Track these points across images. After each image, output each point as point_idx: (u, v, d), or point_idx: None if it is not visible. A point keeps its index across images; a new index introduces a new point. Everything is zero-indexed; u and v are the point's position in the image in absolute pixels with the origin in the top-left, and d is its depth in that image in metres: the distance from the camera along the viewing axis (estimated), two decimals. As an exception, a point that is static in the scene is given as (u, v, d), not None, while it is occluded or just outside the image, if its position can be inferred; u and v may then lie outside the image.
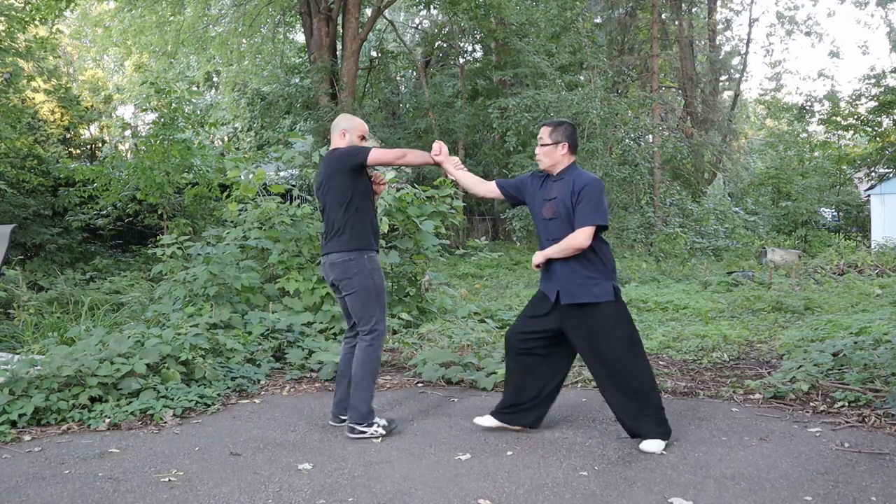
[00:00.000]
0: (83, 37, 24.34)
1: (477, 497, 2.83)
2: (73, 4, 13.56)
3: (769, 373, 4.89)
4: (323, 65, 18.11)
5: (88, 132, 28.42)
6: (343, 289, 3.69)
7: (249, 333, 5.52)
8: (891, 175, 20.39)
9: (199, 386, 4.42)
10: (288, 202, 7.14)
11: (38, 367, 4.10)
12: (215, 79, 26.05)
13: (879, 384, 4.17)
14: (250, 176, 7.08)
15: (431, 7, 22.09)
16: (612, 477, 3.03)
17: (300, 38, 24.00)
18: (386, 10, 20.39)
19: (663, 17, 23.78)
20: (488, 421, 3.72)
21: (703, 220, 19.00)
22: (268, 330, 5.67)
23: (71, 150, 25.13)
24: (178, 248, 6.75)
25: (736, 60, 29.05)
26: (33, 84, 17.52)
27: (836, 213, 24.37)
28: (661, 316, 7.99)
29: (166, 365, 4.44)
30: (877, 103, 20.15)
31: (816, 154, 23.36)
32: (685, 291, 9.98)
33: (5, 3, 12.40)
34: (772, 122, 29.85)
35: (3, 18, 12.10)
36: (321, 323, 6.03)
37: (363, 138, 3.82)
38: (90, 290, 8.81)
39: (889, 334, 5.14)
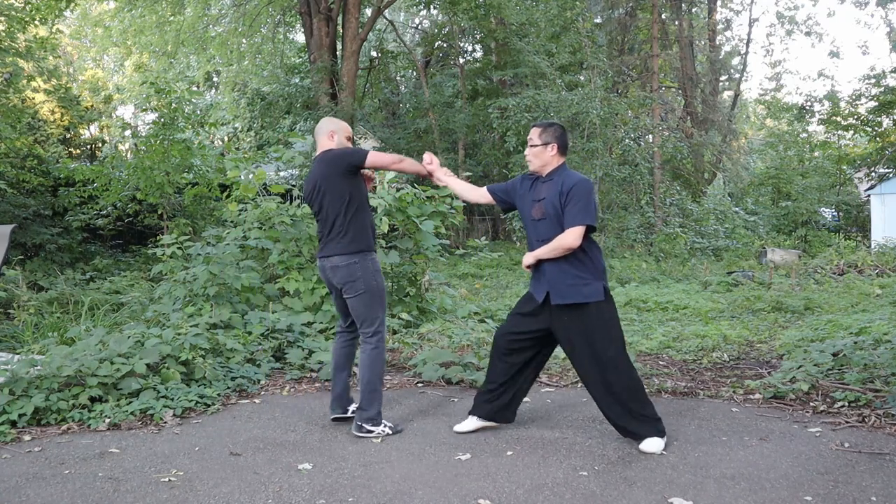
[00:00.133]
0: (83, 37, 24.34)
1: (477, 497, 2.83)
2: (73, 4, 13.57)
3: (769, 373, 4.89)
4: (323, 65, 18.11)
5: (88, 132, 28.43)
6: (347, 292, 3.69)
7: (249, 333, 5.52)
8: (891, 175, 20.39)
9: (199, 386, 4.42)
10: (288, 202, 7.14)
11: (38, 367, 4.10)
12: (215, 79, 26.05)
13: (879, 384, 4.17)
14: (250, 176, 7.08)
15: (431, 7, 22.10)
16: (612, 477, 3.03)
17: (300, 38, 24.01)
18: (386, 10, 20.40)
19: (663, 17, 23.78)
20: (468, 425, 3.72)
21: (703, 220, 19.00)
22: (268, 330, 5.67)
23: (71, 150, 25.14)
24: (178, 248, 6.75)
25: (736, 60, 29.06)
26: (33, 84, 17.51)
27: (836, 213, 24.37)
28: (661, 316, 7.98)
29: (166, 365, 4.44)
30: (877, 103, 20.15)
31: (816, 154, 23.36)
32: (685, 291, 9.98)
33: (5, 3, 12.40)
34: (772, 122, 29.85)
35: (3, 18, 12.10)
36: (321, 323, 6.03)
37: (350, 139, 3.85)
38: (90, 290, 8.81)
39: (889, 334, 5.14)
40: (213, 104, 25.50)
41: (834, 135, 22.26)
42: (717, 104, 26.02)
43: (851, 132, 21.81)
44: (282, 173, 17.92)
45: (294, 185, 9.52)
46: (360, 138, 22.78)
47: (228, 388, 4.59)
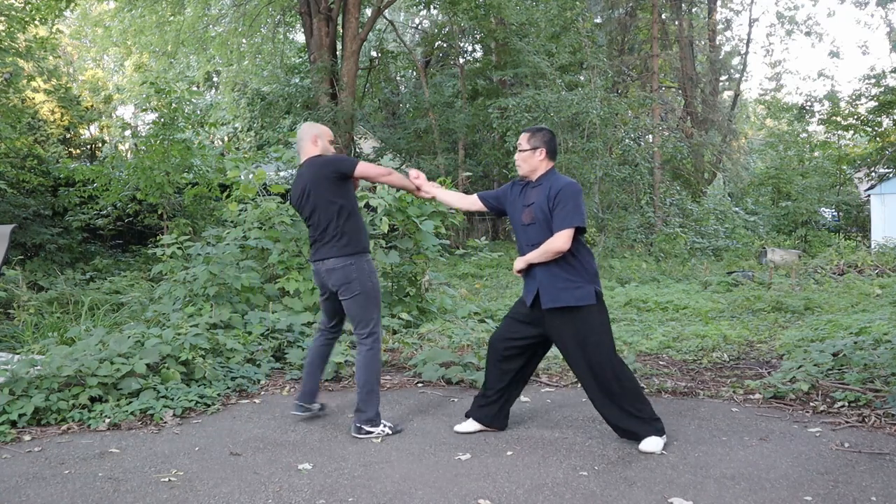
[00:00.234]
0: (83, 37, 24.34)
1: (477, 497, 2.83)
2: (73, 4, 13.55)
3: (769, 373, 4.89)
4: (323, 65, 18.10)
5: (88, 132, 28.44)
6: (343, 294, 3.70)
7: (249, 333, 5.52)
8: (891, 175, 20.39)
9: (199, 386, 4.42)
10: (288, 202, 7.14)
11: (38, 367, 4.10)
12: (215, 79, 26.05)
13: (879, 384, 4.17)
14: (250, 176, 7.08)
15: (431, 7, 22.10)
16: (612, 477, 3.03)
17: (300, 38, 24.00)
18: (386, 10, 20.39)
19: (663, 17, 23.79)
20: (467, 426, 3.73)
21: (703, 220, 19.00)
22: (268, 330, 5.66)
23: (71, 150, 25.14)
24: (178, 248, 6.75)
25: (736, 60, 29.06)
26: (33, 84, 17.52)
27: (836, 213, 24.38)
28: (661, 316, 7.98)
29: (166, 365, 4.44)
30: (877, 103, 20.15)
31: (816, 154, 23.36)
32: (685, 291, 9.98)
33: (5, 3, 12.40)
34: (772, 122, 29.85)
35: (3, 18, 12.10)
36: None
37: (332, 142, 3.91)
38: (90, 290, 8.81)
39: (889, 334, 5.14)
40: (213, 104, 25.50)
41: (834, 135, 22.26)
42: (717, 104, 26.03)
43: (851, 132, 21.82)
44: (282, 173, 17.91)
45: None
46: (361, 138, 22.78)
47: (228, 388, 4.59)
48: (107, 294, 8.62)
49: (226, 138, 25.35)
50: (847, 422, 3.75)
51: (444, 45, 23.96)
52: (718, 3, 26.78)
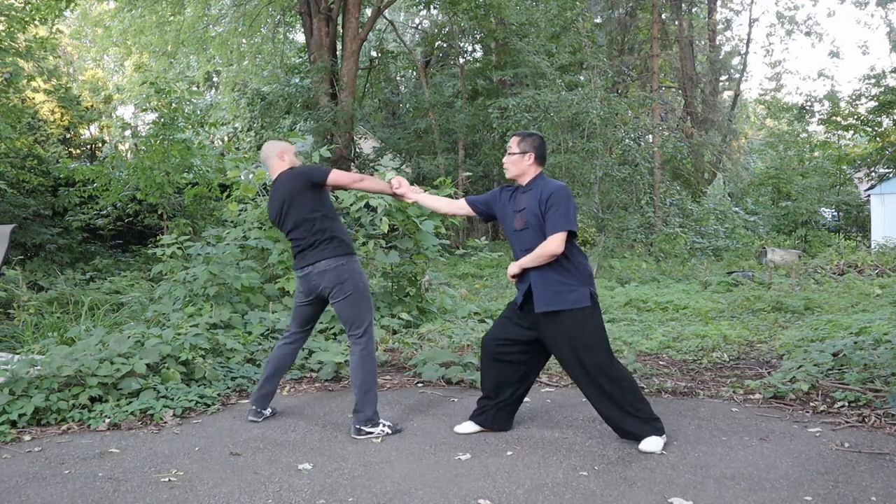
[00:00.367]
0: (83, 37, 24.34)
1: (477, 497, 2.83)
2: (73, 4, 13.56)
3: (769, 373, 4.89)
4: (323, 65, 18.10)
5: (88, 132, 28.44)
6: (336, 295, 3.71)
7: (249, 333, 5.53)
8: (891, 175, 20.39)
9: (199, 386, 4.42)
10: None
11: (38, 367, 4.10)
12: (215, 79, 26.05)
13: (879, 384, 4.17)
14: (250, 176, 7.08)
15: (431, 7, 22.09)
16: (612, 477, 3.03)
17: (300, 38, 24.01)
18: (386, 10, 20.39)
19: (663, 17, 23.79)
20: (468, 427, 3.73)
21: (703, 220, 19.00)
22: (268, 330, 5.67)
23: (71, 150, 25.15)
24: (178, 248, 6.75)
25: (736, 60, 29.07)
26: (33, 84, 17.52)
27: (836, 213, 24.38)
28: (661, 316, 7.98)
29: (166, 365, 4.44)
30: (877, 103, 20.15)
31: (816, 154, 23.37)
32: (685, 291, 9.98)
33: (5, 3, 12.40)
34: (772, 122, 29.85)
35: (3, 18, 12.10)
36: (321, 323, 6.03)
37: (296, 155, 3.99)
38: (90, 290, 8.81)
39: (889, 334, 5.14)
40: (213, 104, 25.49)
41: (834, 135, 22.26)
42: (717, 104, 26.03)
43: (851, 132, 21.82)
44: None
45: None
46: (361, 138, 22.78)
47: (228, 388, 4.59)
48: (107, 294, 8.62)
49: (226, 138, 25.34)
50: (847, 422, 3.75)
51: (444, 45, 23.95)
52: (718, 3, 26.79)
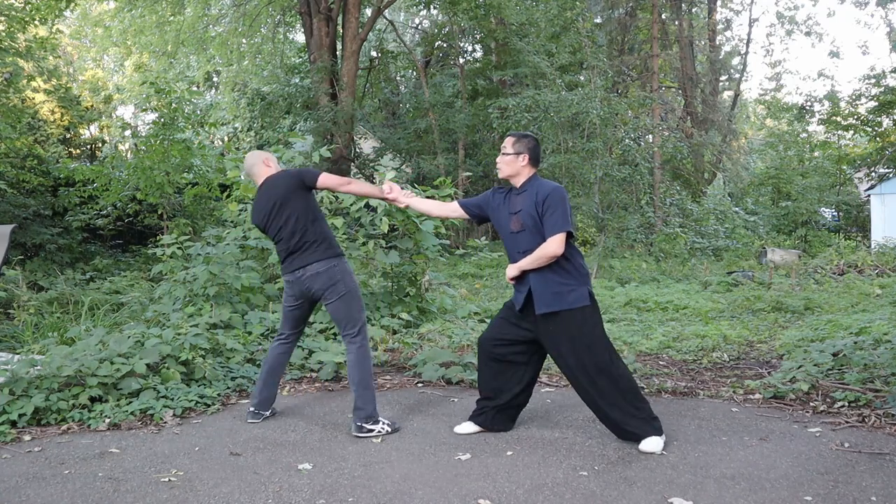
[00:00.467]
0: (83, 37, 24.34)
1: (477, 497, 2.83)
2: (73, 4, 13.56)
3: (769, 373, 4.89)
4: (323, 65, 18.10)
5: (88, 132, 28.44)
6: (329, 296, 3.73)
7: (249, 333, 5.53)
8: (891, 175, 20.39)
9: (199, 386, 4.42)
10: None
11: (38, 367, 4.10)
12: (215, 79, 26.06)
13: (879, 384, 4.17)
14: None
15: (431, 7, 22.09)
16: (612, 477, 3.03)
17: (300, 38, 24.01)
18: (386, 10, 20.39)
19: (663, 17, 23.80)
20: (467, 427, 3.73)
21: (703, 220, 18.99)
22: (268, 330, 5.67)
23: (71, 150, 25.15)
24: (178, 248, 6.75)
25: (736, 60, 29.07)
26: (33, 84, 17.51)
27: (836, 213, 24.38)
28: (661, 316, 7.98)
29: (166, 365, 4.44)
30: (877, 103, 20.15)
31: (816, 154, 23.37)
32: (685, 291, 9.98)
33: (5, 3, 12.40)
34: (772, 122, 29.86)
35: (3, 18, 12.10)
36: (321, 323, 6.03)
37: (278, 163, 4.06)
38: (90, 290, 8.81)
39: (889, 334, 5.14)
40: (213, 104, 25.49)
41: (834, 135, 22.26)
42: (717, 104, 26.03)
43: (851, 132, 21.82)
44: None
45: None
46: (361, 138, 22.78)
47: (228, 388, 4.59)
48: (107, 294, 8.62)
49: (226, 138, 25.35)
50: (847, 422, 3.75)
51: (444, 45, 23.96)
52: (718, 3, 26.79)
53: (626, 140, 17.39)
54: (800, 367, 4.66)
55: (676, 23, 24.43)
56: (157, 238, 7.95)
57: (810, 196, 20.46)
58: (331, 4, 18.21)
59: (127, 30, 19.81)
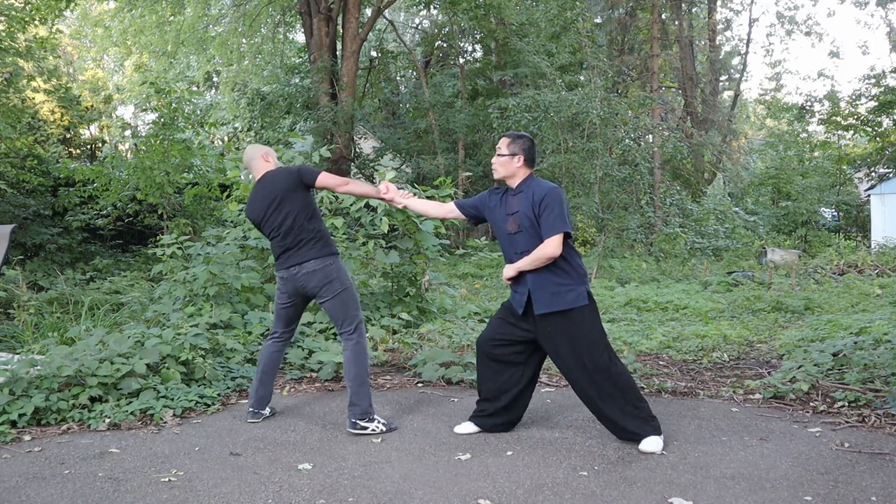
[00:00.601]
0: (83, 37, 24.35)
1: (477, 497, 2.83)
2: (73, 4, 13.56)
3: (769, 373, 4.89)
4: (323, 65, 18.10)
5: (88, 132, 28.45)
6: (325, 294, 3.75)
7: (249, 333, 5.52)
8: (891, 175, 20.39)
9: (199, 386, 4.42)
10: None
11: (38, 367, 4.10)
12: (215, 79, 26.05)
13: (879, 384, 4.17)
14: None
15: (431, 7, 22.10)
16: (612, 477, 3.03)
17: (300, 38, 24.01)
18: (386, 10, 20.40)
19: (663, 17, 23.81)
20: (467, 427, 3.73)
21: (703, 220, 18.99)
22: (267, 330, 5.66)
23: (71, 150, 25.15)
24: (178, 248, 6.75)
25: (736, 60, 29.10)
26: (33, 84, 17.52)
27: (836, 213, 24.37)
28: (661, 316, 7.98)
29: (166, 365, 4.44)
30: (877, 103, 20.16)
31: (816, 154, 23.36)
32: (685, 291, 9.97)
33: (5, 3, 12.40)
34: (772, 122, 29.86)
35: (3, 18, 12.10)
36: (321, 323, 6.03)
37: (278, 158, 4.08)
38: (90, 290, 8.81)
39: (889, 334, 5.14)
40: (213, 104, 25.49)
41: (834, 135, 22.27)
42: (717, 104, 26.04)
43: (851, 132, 21.82)
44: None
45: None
46: (361, 138, 22.78)
47: (228, 388, 4.59)
48: (107, 294, 8.62)
49: (226, 138, 25.35)
50: (847, 422, 3.75)
51: (444, 45, 23.96)
52: (718, 3, 26.81)
53: (626, 140, 17.41)
54: (800, 367, 4.66)
55: (676, 23, 24.43)
56: (157, 238, 7.95)
57: (810, 196, 20.46)
58: (331, 4, 18.21)
59: (127, 30, 19.81)
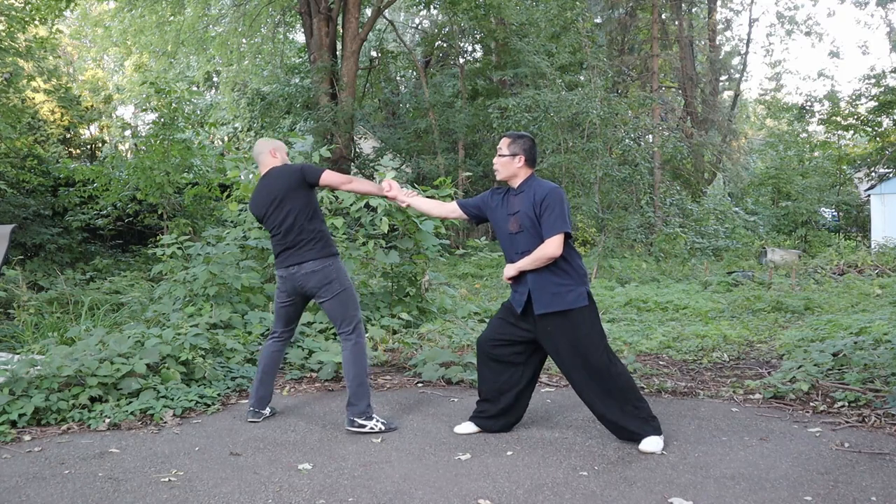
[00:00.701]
0: (83, 37, 24.35)
1: (477, 497, 2.83)
2: (73, 4, 13.57)
3: (769, 373, 4.89)
4: (323, 65, 18.10)
5: (88, 132, 28.44)
6: (322, 295, 3.76)
7: (249, 333, 5.52)
8: (891, 175, 20.39)
9: (199, 386, 4.42)
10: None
11: (38, 367, 4.10)
12: (215, 79, 26.05)
13: (879, 384, 4.17)
14: (250, 176, 7.08)
15: (431, 7, 22.10)
16: (612, 477, 3.03)
17: (300, 38, 24.01)
18: (386, 10, 20.40)
19: (663, 17, 23.81)
20: (467, 427, 3.73)
21: (703, 220, 18.99)
22: (267, 330, 5.66)
23: (71, 150, 25.15)
24: (178, 248, 6.75)
25: (736, 60, 29.10)
26: (33, 84, 17.52)
27: (836, 213, 24.38)
28: (661, 316, 7.98)
29: (166, 365, 4.44)
30: (877, 103, 20.16)
31: (816, 154, 23.37)
32: (685, 291, 9.97)
33: (5, 3, 12.40)
34: (772, 122, 29.86)
35: (3, 18, 12.10)
36: (321, 323, 6.03)
37: (287, 155, 4.04)
38: (90, 290, 8.81)
39: (889, 334, 5.14)
40: (213, 104, 25.49)
41: (834, 135, 22.27)
42: (717, 104, 26.04)
43: (851, 132, 21.83)
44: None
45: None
46: (361, 138, 22.78)
47: (228, 388, 4.59)
48: (107, 294, 8.62)
49: (226, 138, 25.35)
50: (847, 422, 3.75)
51: (444, 45, 23.96)
52: (718, 3, 26.81)
53: (626, 140, 17.40)
54: (800, 367, 4.66)
55: (676, 23, 24.43)
56: (157, 238, 7.95)
57: (810, 196, 20.46)
58: (331, 4, 18.21)
59: (127, 30, 19.80)
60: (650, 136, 20.62)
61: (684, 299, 8.89)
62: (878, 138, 21.09)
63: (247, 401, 4.42)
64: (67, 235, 12.79)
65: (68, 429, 3.78)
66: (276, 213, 3.78)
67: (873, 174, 21.40)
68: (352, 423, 3.70)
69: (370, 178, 19.48)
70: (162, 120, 10.57)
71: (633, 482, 2.97)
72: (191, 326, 5.04)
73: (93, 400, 4.04)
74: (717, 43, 27.11)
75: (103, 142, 28.31)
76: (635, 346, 5.86)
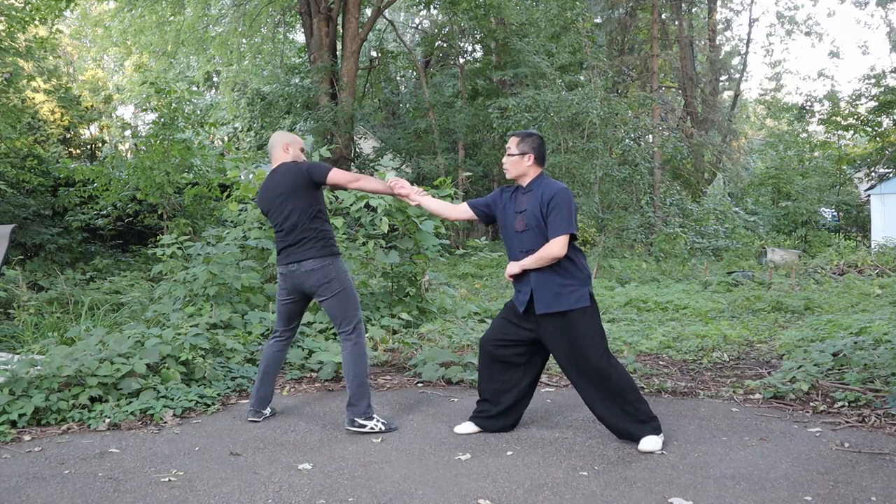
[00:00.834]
0: (83, 37, 24.35)
1: (477, 497, 2.83)
2: (73, 4, 13.55)
3: (769, 373, 4.89)
4: (323, 65, 18.11)
5: (88, 132, 28.45)
6: (322, 294, 3.75)
7: (249, 333, 5.52)
8: (891, 175, 20.39)
9: (199, 386, 4.42)
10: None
11: (38, 367, 4.10)
12: (215, 79, 26.06)
13: (879, 384, 4.17)
14: (250, 176, 7.08)
15: (431, 7, 22.11)
16: (612, 477, 3.03)
17: (300, 38, 24.01)
18: (386, 10, 20.40)
19: (663, 17, 23.81)
20: (467, 427, 3.73)
21: (703, 220, 19.00)
22: (268, 330, 5.66)
23: (71, 150, 25.16)
24: (178, 248, 6.74)
25: (736, 60, 29.11)
26: (33, 84, 17.52)
27: (836, 213, 24.38)
28: (661, 316, 7.98)
29: (166, 365, 4.44)
30: (877, 103, 20.16)
31: (816, 154, 23.37)
32: (685, 291, 9.98)
33: (5, 3, 12.40)
34: (772, 122, 29.86)
35: (3, 18, 12.10)
36: (321, 323, 6.03)
37: (302, 150, 3.99)
38: (90, 290, 8.81)
39: (889, 334, 5.14)
40: (213, 104, 25.49)
41: (834, 135, 22.27)
42: (717, 104, 26.05)
43: (851, 132, 21.82)
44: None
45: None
46: (361, 138, 22.78)
47: (228, 388, 4.59)
48: (107, 294, 8.62)
49: (226, 138, 25.35)
50: (847, 422, 3.75)
51: (444, 45, 23.96)
52: (718, 3, 26.81)
53: (626, 140, 17.39)
54: (800, 367, 4.66)
55: (676, 23, 24.43)
56: (157, 238, 7.94)
57: (810, 196, 20.46)
58: (331, 4, 18.21)
59: (127, 30, 19.81)
60: (650, 136, 20.62)
61: (684, 299, 8.89)
62: (878, 138, 21.10)
63: (247, 401, 4.42)
64: (67, 235, 12.78)
65: (68, 429, 3.78)
66: (279, 211, 3.77)
67: (873, 174, 21.40)
68: (352, 423, 3.70)
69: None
70: (162, 120, 10.56)
71: (633, 482, 2.97)
72: (191, 326, 5.04)
73: (93, 400, 4.04)
74: (717, 43, 27.11)
75: (103, 142, 28.31)
76: (635, 346, 5.86)
